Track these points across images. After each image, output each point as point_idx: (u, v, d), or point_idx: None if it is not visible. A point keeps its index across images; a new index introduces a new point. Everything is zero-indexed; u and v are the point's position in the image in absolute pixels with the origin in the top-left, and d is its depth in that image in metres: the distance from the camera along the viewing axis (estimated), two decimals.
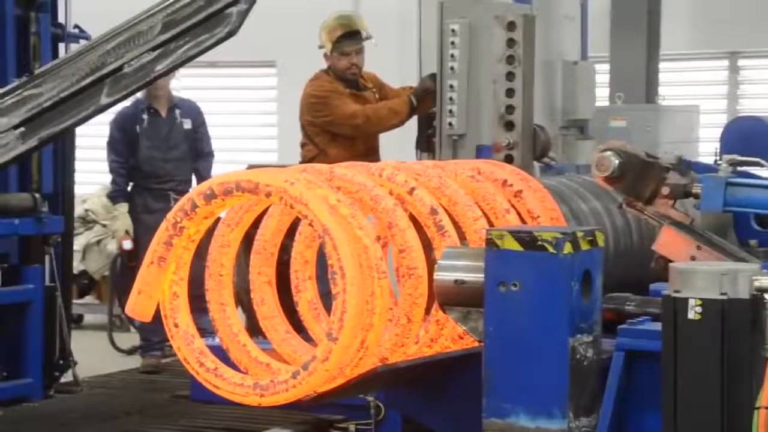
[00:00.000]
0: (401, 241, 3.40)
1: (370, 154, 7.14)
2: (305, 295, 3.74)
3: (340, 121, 7.09)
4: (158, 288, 3.41)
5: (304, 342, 3.66)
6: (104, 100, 4.29)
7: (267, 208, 3.64)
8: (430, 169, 3.75)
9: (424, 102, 7.11)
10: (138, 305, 3.41)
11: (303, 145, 7.32)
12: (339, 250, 3.19)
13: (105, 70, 4.26)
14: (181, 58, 4.26)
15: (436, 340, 3.59)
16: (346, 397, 4.08)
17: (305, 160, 7.14)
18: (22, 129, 4.26)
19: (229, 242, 3.55)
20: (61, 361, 6.95)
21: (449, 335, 3.61)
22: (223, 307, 3.54)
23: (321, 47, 7.24)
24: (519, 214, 3.82)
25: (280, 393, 3.28)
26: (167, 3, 4.29)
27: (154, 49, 4.24)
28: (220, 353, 3.57)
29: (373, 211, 3.46)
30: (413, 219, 3.54)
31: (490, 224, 3.66)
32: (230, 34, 4.25)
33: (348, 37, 7.18)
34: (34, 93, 4.27)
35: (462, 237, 3.60)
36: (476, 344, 3.62)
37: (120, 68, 4.25)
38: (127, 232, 8.16)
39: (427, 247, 3.54)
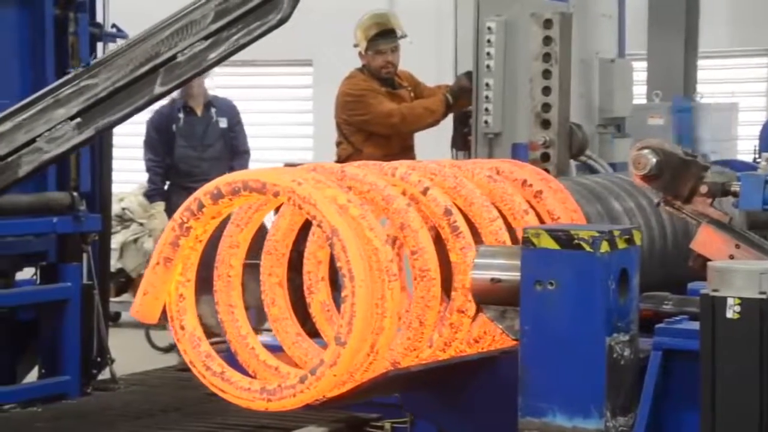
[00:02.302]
0: (413, 242, 3.32)
1: (406, 152, 7.14)
2: (318, 296, 3.66)
3: (376, 119, 7.09)
4: (164, 289, 3.32)
5: (315, 345, 3.58)
6: (158, 89, 4.30)
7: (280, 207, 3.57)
8: (446, 168, 3.66)
9: (460, 100, 7.10)
10: (143, 307, 3.33)
11: (338, 144, 7.33)
12: (348, 252, 3.10)
13: (159, 60, 4.27)
14: (233, 47, 4.26)
15: (450, 343, 3.52)
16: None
17: (340, 159, 7.15)
18: (78, 120, 4.28)
19: (238, 243, 3.47)
20: (98, 359, 6.99)
21: (464, 339, 3.54)
22: (231, 309, 3.46)
23: (356, 46, 7.25)
24: (538, 214, 3.76)
25: (288, 398, 3.20)
26: None
27: (206, 37, 4.24)
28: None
29: (384, 212, 3.38)
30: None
31: (508, 225, 3.61)
32: (282, 21, 4.23)
33: (383, 35, 7.18)
34: (90, 83, 4.28)
35: (478, 238, 3.52)
36: (492, 348, 3.60)
37: (174, 57, 4.26)
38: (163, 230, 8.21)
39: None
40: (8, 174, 4.26)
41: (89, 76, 4.28)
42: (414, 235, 3.33)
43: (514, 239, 3.58)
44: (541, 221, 3.73)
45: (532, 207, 3.74)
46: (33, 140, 4.25)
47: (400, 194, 3.41)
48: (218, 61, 4.31)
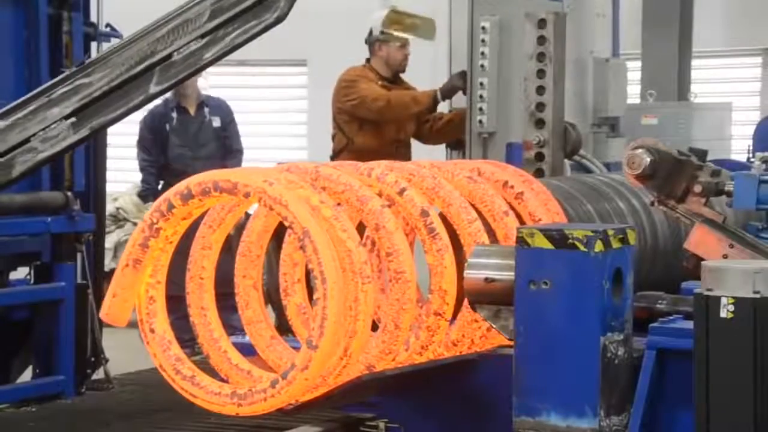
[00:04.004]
0: (388, 244, 3.27)
1: (399, 146, 7.20)
2: (294, 299, 3.62)
3: (364, 103, 7.16)
4: (134, 292, 3.26)
5: (290, 348, 3.53)
6: (153, 88, 4.26)
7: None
8: (424, 169, 3.61)
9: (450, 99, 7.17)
10: (112, 309, 3.26)
11: (333, 137, 7.39)
12: (320, 253, 3.05)
13: (154, 59, 4.22)
14: (230, 45, 4.22)
15: (427, 347, 3.48)
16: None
17: (335, 151, 7.24)
18: (73, 119, 4.24)
19: (210, 244, 3.41)
20: (92, 359, 6.97)
21: (442, 342, 3.51)
22: (203, 311, 3.41)
23: (380, 35, 7.30)
24: (519, 216, 3.74)
25: (258, 402, 3.15)
26: None
27: (202, 36, 4.20)
28: (249, 351, 3.52)
29: (359, 213, 3.33)
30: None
31: (487, 226, 3.59)
32: (279, 20, 4.19)
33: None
34: (84, 82, 4.23)
35: (456, 240, 3.48)
36: (471, 351, 3.58)
37: (169, 56, 4.22)
38: None
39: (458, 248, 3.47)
40: (2, 174, 4.23)
41: (84, 75, 4.25)
42: (389, 236, 3.28)
43: (493, 241, 3.57)
44: (522, 223, 3.71)
45: (513, 209, 3.71)
46: (27, 140, 4.22)
47: (376, 195, 3.36)
48: (214, 60, 4.27)
